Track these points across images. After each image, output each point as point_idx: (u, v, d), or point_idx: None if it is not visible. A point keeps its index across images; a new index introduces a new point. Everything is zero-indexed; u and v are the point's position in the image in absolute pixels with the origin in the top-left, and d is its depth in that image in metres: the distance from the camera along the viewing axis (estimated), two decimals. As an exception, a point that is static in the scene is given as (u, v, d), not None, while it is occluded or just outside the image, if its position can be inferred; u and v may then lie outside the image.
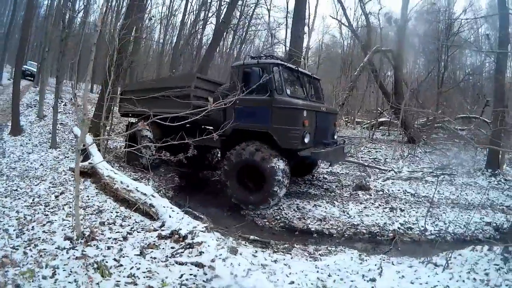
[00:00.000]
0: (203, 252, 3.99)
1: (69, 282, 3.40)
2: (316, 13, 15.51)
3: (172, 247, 4.30)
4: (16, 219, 5.09)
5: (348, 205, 7.56)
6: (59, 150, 9.13)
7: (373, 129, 18.83)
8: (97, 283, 3.40)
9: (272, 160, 7.02)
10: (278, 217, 6.85)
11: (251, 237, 5.63)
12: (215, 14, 22.89)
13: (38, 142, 9.79)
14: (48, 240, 4.41)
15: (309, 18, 19.31)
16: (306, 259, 4.89)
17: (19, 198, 6.00)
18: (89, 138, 7.92)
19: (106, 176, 6.51)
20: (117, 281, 3.46)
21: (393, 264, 4.68)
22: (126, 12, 10.07)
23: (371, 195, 8.28)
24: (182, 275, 3.64)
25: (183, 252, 4.13)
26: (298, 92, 8.26)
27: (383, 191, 8.60)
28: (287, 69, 7.89)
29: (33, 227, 4.82)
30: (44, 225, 4.92)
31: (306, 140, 7.29)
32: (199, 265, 3.79)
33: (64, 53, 7.86)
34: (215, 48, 17.05)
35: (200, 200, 7.70)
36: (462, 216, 7.10)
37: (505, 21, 10.64)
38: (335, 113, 9.31)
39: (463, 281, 3.99)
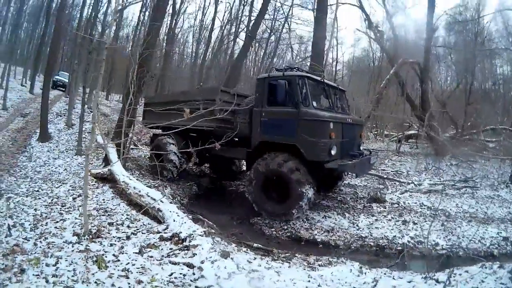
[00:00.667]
0: (196, 254, 4.21)
1: (68, 271, 3.73)
2: (337, 26, 15.73)
3: (171, 248, 4.55)
4: (33, 216, 5.54)
5: (359, 217, 7.52)
6: (84, 157, 9.69)
7: (400, 142, 18.59)
8: (93, 274, 3.70)
9: (298, 172, 7.08)
10: (286, 227, 6.93)
11: (255, 244, 5.76)
12: (244, 28, 23.48)
13: (64, 148, 10.44)
14: (58, 234, 4.81)
15: (336, 30, 19.45)
16: (304, 269, 4.92)
17: (39, 198, 6.49)
18: (111, 146, 8.43)
19: (122, 181, 6.91)
20: (111, 273, 3.75)
21: (393, 278, 4.62)
22: (148, 27, 10.64)
23: (385, 208, 8.18)
24: (172, 273, 3.86)
25: (178, 253, 4.37)
26: (324, 103, 8.29)
27: (398, 204, 8.47)
28: (312, 81, 7.92)
29: (46, 223, 5.25)
30: (57, 222, 5.34)
31: (333, 152, 7.29)
32: (190, 265, 4.00)
33: (90, 65, 8.40)
34: (241, 61, 17.41)
35: (213, 208, 7.92)
36: (478, 230, 6.86)
37: None
38: (361, 124, 9.32)
39: None
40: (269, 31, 24.62)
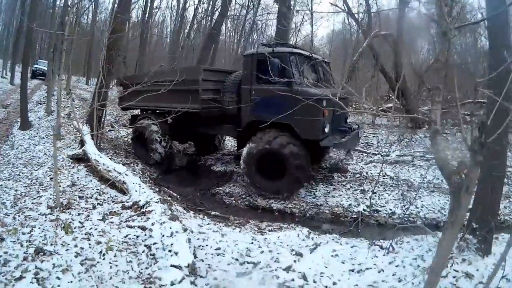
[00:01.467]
0: (150, 218, 5.04)
1: (40, 237, 4.54)
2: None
3: (130, 215, 5.37)
4: (13, 196, 6.38)
5: (317, 186, 8.00)
6: (63, 141, 10.42)
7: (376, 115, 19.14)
8: (60, 238, 4.52)
9: (293, 148, 7.24)
10: (244, 196, 7.72)
11: (212, 212, 6.65)
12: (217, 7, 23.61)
13: (44, 135, 11.14)
14: (34, 209, 5.65)
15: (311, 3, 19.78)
16: (253, 233, 5.62)
17: (20, 181, 7.31)
18: (85, 129, 9.16)
19: (93, 160, 7.69)
20: (75, 237, 4.56)
21: (340, 244, 5.14)
22: (115, 11, 11.04)
23: (346, 178, 8.53)
24: (127, 235, 4.66)
25: (135, 218, 5.19)
26: (312, 78, 8.25)
27: (360, 174, 8.80)
28: (301, 56, 7.89)
29: (25, 200, 6.11)
30: (34, 198, 6.18)
31: (326, 130, 7.43)
32: (143, 228, 4.80)
33: (62, 52, 8.91)
34: (214, 39, 17.74)
35: (181, 182, 8.74)
36: (439, 200, 7.14)
37: None
38: (347, 97, 9.14)
39: (404, 266, 4.22)
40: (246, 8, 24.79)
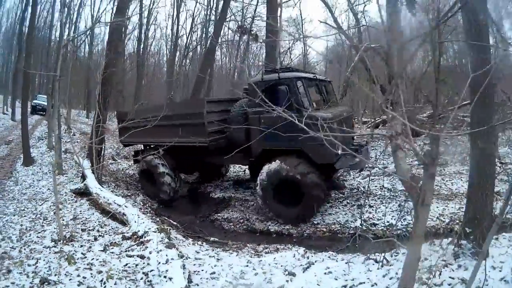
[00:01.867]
0: (147, 247, 5.35)
1: (45, 267, 4.89)
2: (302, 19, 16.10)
3: (130, 245, 5.70)
4: (19, 230, 6.71)
5: None
6: (66, 176, 10.80)
7: (377, 127, 19.36)
8: (64, 268, 4.85)
9: (314, 177, 7.25)
10: (242, 221, 7.98)
11: (211, 238, 6.96)
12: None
13: (47, 170, 11.49)
14: (38, 242, 5.99)
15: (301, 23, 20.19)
16: (250, 256, 5.87)
17: (25, 216, 7.63)
18: (86, 163, 9.56)
19: (94, 193, 8.05)
20: (78, 267, 4.89)
21: (336, 261, 5.30)
22: (107, 46, 11.43)
23: (343, 194, 8.63)
24: (127, 264, 4.98)
25: (135, 248, 5.51)
26: (317, 99, 8.27)
27: (357, 189, 8.88)
28: (306, 79, 7.88)
29: (30, 234, 6.43)
30: (39, 232, 6.50)
31: (339, 152, 7.26)
32: (142, 256, 5.11)
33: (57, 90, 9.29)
34: (207, 67, 17.93)
35: (181, 210, 9.07)
36: (438, 207, 7.07)
37: None
38: (352, 114, 9.38)
39: (397, 278, 4.17)
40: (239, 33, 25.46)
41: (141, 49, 24.21)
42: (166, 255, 4.90)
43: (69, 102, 20.97)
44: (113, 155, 14.10)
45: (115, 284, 4.44)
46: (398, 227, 6.39)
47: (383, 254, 4.76)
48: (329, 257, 5.56)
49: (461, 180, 8.92)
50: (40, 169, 11.68)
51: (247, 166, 9.40)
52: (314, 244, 6.51)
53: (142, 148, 10.81)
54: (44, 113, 23.88)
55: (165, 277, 4.32)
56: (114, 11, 11.84)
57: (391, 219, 6.79)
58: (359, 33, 19.30)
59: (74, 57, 19.05)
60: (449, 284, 4.19)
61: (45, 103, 22.66)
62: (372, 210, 7.52)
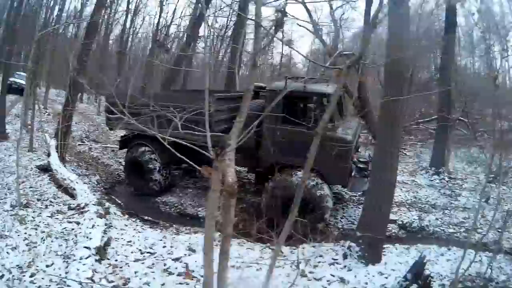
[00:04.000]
0: (84, 216, 6.84)
1: (1, 226, 6.39)
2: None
3: (72, 214, 7.19)
4: (-15, 199, 8.16)
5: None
6: (35, 153, 12.11)
7: None
8: (15, 227, 6.35)
9: (323, 188, 7.17)
10: (177, 205, 9.41)
11: (146, 217, 8.37)
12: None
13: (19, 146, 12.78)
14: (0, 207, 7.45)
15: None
16: (170, 234, 7.18)
17: (-8, 187, 9.06)
18: (53, 142, 10.95)
19: (54, 170, 9.48)
20: (26, 227, 6.40)
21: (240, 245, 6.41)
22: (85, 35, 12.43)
23: None
24: (65, 227, 6.46)
25: (75, 216, 7.03)
26: (334, 113, 7.74)
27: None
28: (330, 95, 7.24)
29: (-6, 201, 7.89)
30: (1, 199, 7.96)
31: (352, 174, 7.54)
32: (78, 222, 6.60)
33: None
34: (182, 58, 18.20)
35: (128, 192, 10.32)
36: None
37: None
38: (360, 126, 9.20)
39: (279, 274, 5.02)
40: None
41: (126, 36, 25.20)
42: (95, 222, 6.41)
43: (48, 82, 21.91)
44: (83, 137, 15.48)
45: (51, 241, 5.95)
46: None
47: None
48: (238, 243, 6.45)
49: (401, 190, 10.04)
50: (12, 145, 12.91)
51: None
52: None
53: (130, 135, 10.15)
54: (21, 93, 19.42)
55: (87, 238, 5.81)
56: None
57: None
58: (334, 39, 20.37)
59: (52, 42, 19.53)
60: (328, 281, 5.06)
61: (23, 81, 19.74)
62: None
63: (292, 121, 6.98)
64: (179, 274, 5.43)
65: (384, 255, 5.98)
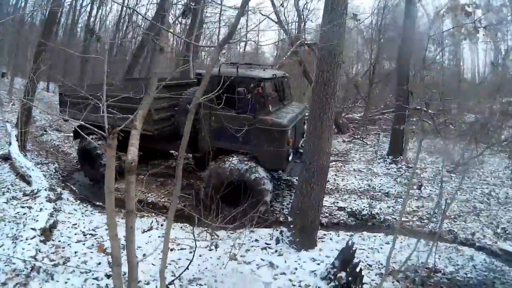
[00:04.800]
0: (36, 201, 7.61)
1: (-43, 211, 7.16)
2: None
3: (26, 199, 7.96)
4: None
5: None
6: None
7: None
8: (-29, 212, 7.14)
9: (257, 171, 7.25)
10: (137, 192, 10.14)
11: (97, 203, 8.99)
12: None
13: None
14: (-43, 193, 8.16)
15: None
16: (117, 218, 8.09)
17: (-46, 173, 9.70)
18: (13, 131, 11.58)
19: (13, 158, 10.17)
20: (-19, 211, 7.20)
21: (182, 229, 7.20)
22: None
23: None
24: (18, 212, 7.20)
25: (28, 201, 7.81)
26: (274, 97, 8.11)
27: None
28: (267, 80, 7.62)
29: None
30: (-40, 186, 8.67)
31: (290, 158, 7.55)
32: (30, 207, 7.36)
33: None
34: (143, 46, 17.99)
35: (86, 180, 10.80)
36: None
37: None
38: (304, 110, 9.12)
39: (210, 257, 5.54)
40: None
41: (92, 24, 25.18)
42: (43, 206, 7.19)
43: (12, 71, 21.90)
44: (46, 126, 16.02)
45: (4, 225, 6.73)
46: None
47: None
48: (181, 228, 7.11)
49: (355, 177, 10.46)
50: (-28, 134, 13.41)
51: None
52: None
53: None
54: None
55: (34, 220, 6.60)
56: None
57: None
58: (298, 29, 20.83)
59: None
60: (257, 265, 5.24)
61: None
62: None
63: (227, 105, 6.87)
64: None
65: (323, 241, 6.22)
